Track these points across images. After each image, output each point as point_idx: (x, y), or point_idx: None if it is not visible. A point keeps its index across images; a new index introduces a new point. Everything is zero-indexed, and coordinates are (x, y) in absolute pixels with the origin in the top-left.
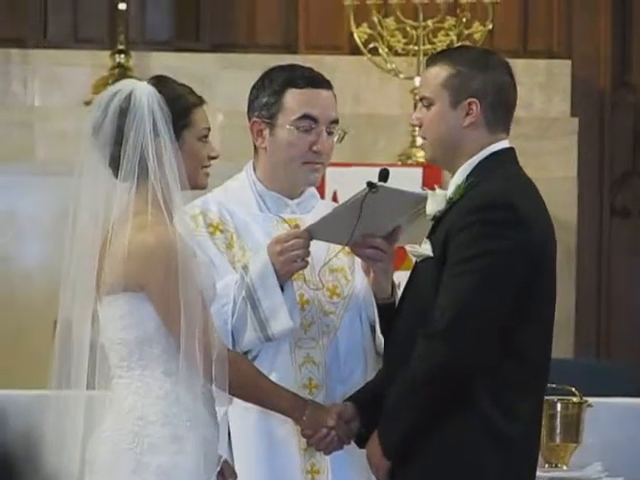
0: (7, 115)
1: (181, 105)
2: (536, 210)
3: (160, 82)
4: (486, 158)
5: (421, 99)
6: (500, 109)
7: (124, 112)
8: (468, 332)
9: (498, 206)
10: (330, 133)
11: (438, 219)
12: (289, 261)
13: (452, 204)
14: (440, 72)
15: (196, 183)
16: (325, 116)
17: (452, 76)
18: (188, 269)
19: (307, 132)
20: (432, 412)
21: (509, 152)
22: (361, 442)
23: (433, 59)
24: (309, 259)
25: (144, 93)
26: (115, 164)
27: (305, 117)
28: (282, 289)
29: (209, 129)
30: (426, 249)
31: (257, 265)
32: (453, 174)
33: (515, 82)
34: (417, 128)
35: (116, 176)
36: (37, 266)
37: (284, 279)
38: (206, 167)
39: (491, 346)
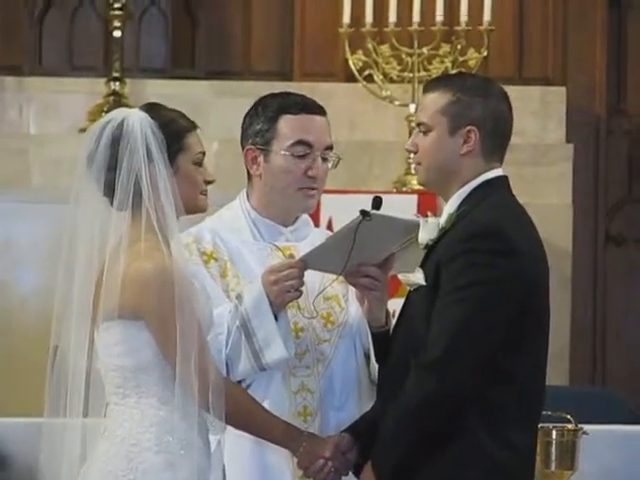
0: (2, 142)
1: (174, 130)
2: (527, 239)
3: (152, 108)
4: (479, 186)
5: (418, 125)
6: (497, 138)
7: (117, 140)
8: (460, 362)
9: (488, 235)
10: (325, 159)
11: (431, 247)
12: (283, 291)
13: (444, 232)
14: (439, 98)
15: (196, 207)
16: (320, 142)
17: (451, 103)
18: (185, 296)
19: (302, 158)
20: (425, 441)
21: (502, 180)
22: (359, 473)
23: (432, 85)
24: (303, 288)
25: (136, 120)
26: (110, 192)
27: (300, 143)
28: (276, 318)
29: (204, 153)
30: (419, 278)
31: (251, 294)
32: (445, 199)
33: (512, 111)
34: (412, 154)
35: (112, 204)
36: (33, 293)
37: (278, 309)
38: (204, 191)
39: (483, 376)
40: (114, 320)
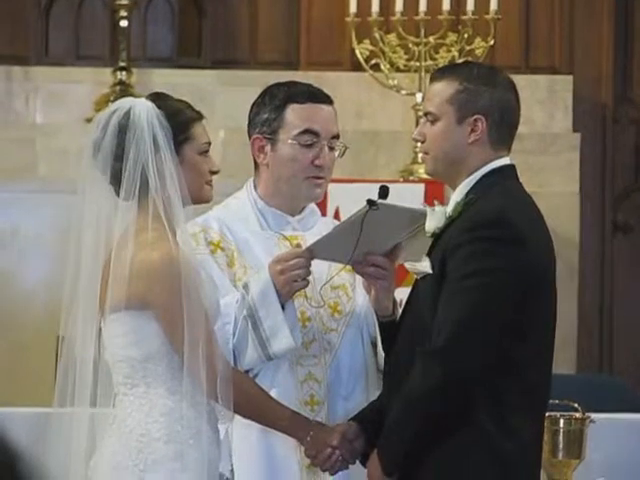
0: (9, 132)
1: (180, 120)
2: (534, 227)
3: (158, 98)
4: (486, 175)
5: (425, 114)
6: (504, 127)
7: (123, 129)
8: (465, 350)
9: (495, 223)
10: (332, 148)
11: (437, 236)
12: (290, 280)
13: (451, 221)
14: (446, 88)
15: (200, 197)
16: (326, 131)
17: (459, 92)
18: (192, 285)
19: (309, 147)
20: (431, 429)
21: (509, 169)
22: (366, 461)
23: (439, 74)
24: (310, 277)
25: (143, 109)
26: (116, 182)
27: (307, 132)
28: (283, 308)
29: (209, 143)
30: (425, 266)
31: (258, 284)
32: (453, 188)
33: (519, 101)
34: (419, 143)
35: (118, 194)
36: (39, 283)
37: (285, 298)
38: (209, 181)
39: (489, 364)
40: (121, 311)
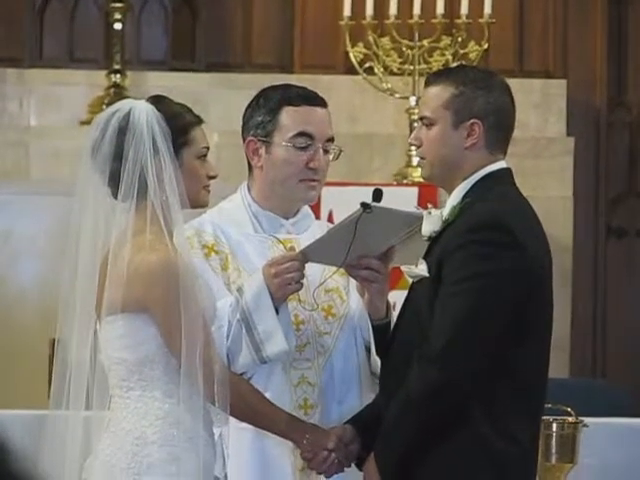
0: (2, 134)
1: (180, 123)
2: (531, 231)
3: (159, 101)
4: (482, 178)
5: (421, 118)
6: (500, 131)
7: (123, 130)
8: (462, 354)
9: (492, 227)
10: (326, 151)
11: (434, 239)
12: (284, 284)
13: (448, 224)
14: (442, 92)
15: (197, 202)
16: (321, 133)
17: (455, 96)
18: (189, 288)
19: (303, 149)
20: (427, 433)
21: (505, 172)
22: (361, 464)
23: (434, 78)
24: (304, 280)
25: (143, 111)
26: (114, 183)
27: (301, 134)
28: (277, 311)
29: (208, 148)
30: (422, 269)
31: (252, 287)
32: (449, 193)
33: (514, 104)
34: (414, 148)
35: (115, 195)
36: (32, 285)
37: (279, 301)
38: (206, 186)
39: (486, 368)
40: (117, 314)
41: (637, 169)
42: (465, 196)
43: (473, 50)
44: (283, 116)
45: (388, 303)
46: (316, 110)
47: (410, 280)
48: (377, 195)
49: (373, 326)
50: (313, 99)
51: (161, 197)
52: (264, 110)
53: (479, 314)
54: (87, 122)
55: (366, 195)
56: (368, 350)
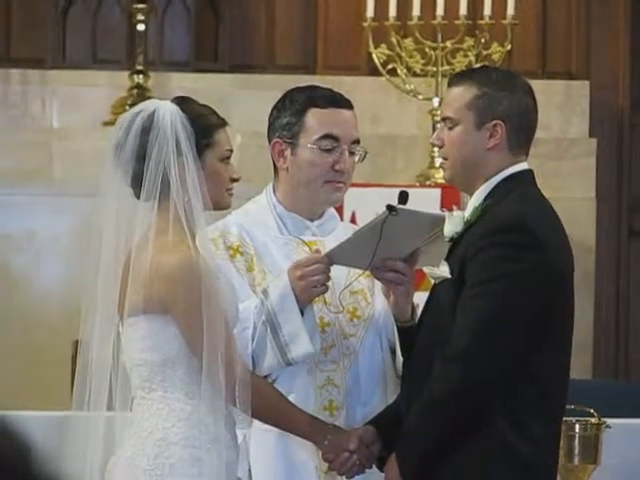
0: (26, 135)
1: (204, 125)
2: (553, 232)
3: (183, 102)
4: (504, 180)
5: (444, 119)
6: (523, 132)
7: (147, 130)
8: (484, 355)
9: (515, 229)
10: (352, 153)
11: (456, 241)
12: (309, 286)
13: (469, 226)
14: (465, 93)
15: (220, 204)
16: (347, 136)
17: (477, 97)
18: (211, 290)
19: (329, 151)
20: (449, 434)
21: (527, 174)
22: (382, 466)
23: (457, 79)
24: (329, 283)
25: (167, 111)
26: (137, 183)
27: (327, 136)
28: (302, 313)
29: (231, 151)
30: (444, 271)
31: (277, 290)
32: (470, 195)
33: (537, 105)
34: (437, 148)
35: (137, 196)
36: (55, 286)
37: (304, 304)
38: (229, 189)
39: (508, 369)
40: (140, 315)
41: None
42: (487, 197)
43: (496, 51)
44: (309, 118)
45: (413, 305)
46: (342, 112)
47: (432, 281)
48: (403, 197)
49: (398, 328)
50: (339, 101)
51: (184, 198)
52: (290, 112)
53: (501, 315)
54: (110, 123)
55: (389, 196)
56: (393, 352)
